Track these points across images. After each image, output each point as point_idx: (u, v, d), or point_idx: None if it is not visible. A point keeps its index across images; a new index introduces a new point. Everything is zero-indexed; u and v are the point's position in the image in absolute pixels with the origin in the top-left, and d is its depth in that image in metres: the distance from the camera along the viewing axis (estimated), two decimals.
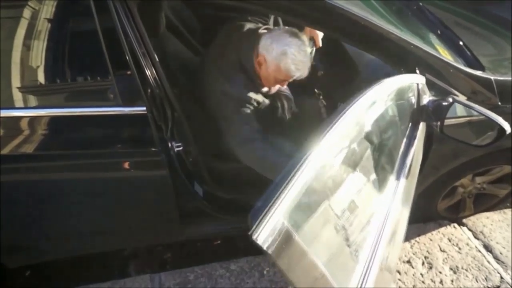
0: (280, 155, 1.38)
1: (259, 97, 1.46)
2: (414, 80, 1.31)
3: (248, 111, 1.42)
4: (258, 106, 1.46)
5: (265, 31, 1.44)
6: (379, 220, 1.03)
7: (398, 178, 1.16)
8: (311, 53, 1.65)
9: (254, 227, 0.61)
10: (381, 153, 1.13)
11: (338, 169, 0.85)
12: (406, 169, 1.19)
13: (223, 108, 1.44)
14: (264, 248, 0.61)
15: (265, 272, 1.70)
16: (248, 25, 1.49)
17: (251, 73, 1.43)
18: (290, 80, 1.45)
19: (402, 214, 1.17)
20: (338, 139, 0.85)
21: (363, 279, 0.89)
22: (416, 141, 1.28)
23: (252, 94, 1.43)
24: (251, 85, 1.44)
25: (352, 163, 0.94)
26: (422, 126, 1.34)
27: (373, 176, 1.06)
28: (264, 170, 1.41)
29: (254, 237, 0.60)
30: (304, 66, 1.38)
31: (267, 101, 1.51)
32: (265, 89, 1.50)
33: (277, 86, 1.55)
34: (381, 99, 1.08)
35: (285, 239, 0.66)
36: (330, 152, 0.83)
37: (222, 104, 1.44)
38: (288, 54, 1.34)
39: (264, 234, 0.62)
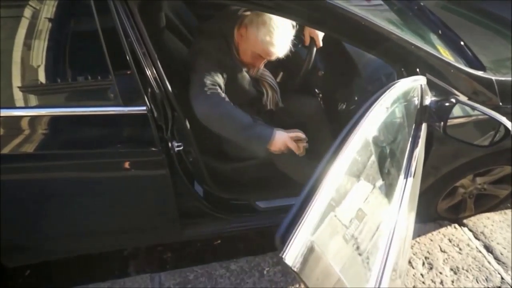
0: (231, 104, 1.34)
1: (226, 62, 1.44)
2: (417, 81, 1.31)
3: (214, 66, 1.39)
4: (226, 69, 1.43)
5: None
6: (389, 225, 1.01)
7: (405, 181, 1.15)
8: (309, 53, 1.65)
9: (284, 247, 0.60)
10: (388, 157, 1.12)
11: (345, 178, 0.85)
12: (412, 172, 1.19)
13: (192, 63, 1.42)
14: (293, 268, 0.60)
15: (265, 272, 1.70)
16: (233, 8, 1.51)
17: (231, 44, 1.45)
18: (265, 57, 1.45)
19: (409, 218, 1.16)
20: (355, 150, 0.84)
21: (378, 285, 0.88)
22: (419, 142, 1.28)
23: (221, 54, 1.43)
24: (223, 46, 1.44)
25: (359, 170, 0.93)
26: (424, 126, 1.34)
27: (380, 181, 1.05)
28: (221, 119, 1.34)
29: (284, 255, 0.60)
30: (280, 44, 1.38)
31: (245, 76, 1.51)
32: (244, 68, 1.51)
33: (257, 69, 1.55)
34: (390, 105, 1.07)
35: (310, 255, 0.65)
36: (346, 162, 0.82)
37: (193, 59, 1.43)
38: (268, 25, 1.35)
39: (293, 254, 0.61)
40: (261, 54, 1.43)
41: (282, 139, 1.35)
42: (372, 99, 0.99)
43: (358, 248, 0.86)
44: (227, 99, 1.35)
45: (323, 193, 0.70)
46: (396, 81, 1.15)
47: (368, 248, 0.91)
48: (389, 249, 0.96)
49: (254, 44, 1.40)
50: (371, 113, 0.93)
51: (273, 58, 1.45)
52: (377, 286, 0.87)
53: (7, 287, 1.71)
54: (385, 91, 1.04)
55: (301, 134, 1.40)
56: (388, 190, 1.09)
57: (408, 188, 1.14)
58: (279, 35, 1.38)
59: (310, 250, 0.66)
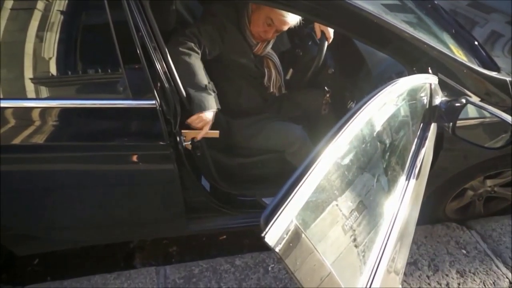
0: (199, 63, 1.39)
1: (236, 34, 1.50)
2: (427, 80, 1.29)
3: (211, 31, 1.46)
4: (229, 41, 1.50)
5: None
6: (387, 221, 1.02)
7: (407, 179, 1.15)
8: (321, 47, 1.64)
9: (265, 226, 0.61)
10: (392, 154, 1.11)
11: (347, 169, 0.84)
12: (416, 170, 1.18)
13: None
14: (272, 246, 0.61)
15: (270, 268, 1.70)
16: None
17: (242, 14, 1.50)
18: (276, 27, 1.48)
19: (411, 216, 1.15)
20: (349, 139, 0.84)
21: (371, 280, 0.88)
22: (427, 142, 1.26)
23: (228, 23, 1.49)
24: (235, 19, 1.50)
25: (362, 163, 0.93)
26: (433, 126, 1.32)
27: (383, 176, 1.05)
28: (186, 68, 1.37)
29: (264, 235, 0.60)
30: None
31: (247, 51, 1.55)
32: (253, 43, 1.53)
33: (266, 43, 1.58)
34: (393, 99, 1.07)
35: (294, 238, 0.66)
36: (341, 151, 0.82)
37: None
38: None
39: (274, 233, 0.61)
40: (274, 20, 1.46)
41: (207, 119, 1.37)
42: (374, 92, 0.98)
43: (355, 240, 0.86)
44: (195, 53, 1.40)
45: (312, 176, 0.70)
46: (400, 78, 1.14)
47: (366, 241, 0.91)
48: (385, 246, 0.96)
49: (269, 11, 1.44)
50: (372, 103, 0.92)
51: (285, 27, 1.49)
52: (370, 280, 0.87)
53: (16, 274, 1.74)
54: (387, 86, 1.03)
55: (212, 135, 1.43)
56: (390, 187, 1.08)
57: (410, 187, 1.13)
58: None
59: (295, 233, 0.66)
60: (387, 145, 1.07)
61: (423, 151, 1.22)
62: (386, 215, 1.03)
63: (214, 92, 1.40)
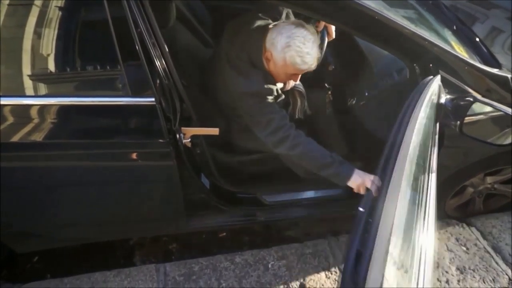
0: (310, 142, 1.36)
1: (276, 89, 1.41)
2: (435, 80, 1.28)
3: (271, 102, 1.38)
4: (278, 97, 1.42)
5: (272, 26, 1.40)
6: (418, 247, 0.97)
7: (429, 186, 1.12)
8: (321, 44, 1.63)
9: None
10: (419, 166, 1.09)
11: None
12: (435, 174, 1.15)
13: (245, 106, 1.40)
14: None
15: (270, 265, 1.71)
16: (258, 22, 1.45)
17: (262, 69, 1.40)
18: (300, 73, 1.41)
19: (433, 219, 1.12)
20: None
21: None
22: (437, 141, 1.25)
23: (270, 86, 1.38)
24: (267, 79, 1.39)
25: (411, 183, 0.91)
26: (437, 125, 1.31)
27: (415, 192, 1.02)
28: (300, 158, 1.37)
29: None
30: (311, 58, 1.32)
31: (282, 96, 1.46)
32: (280, 85, 1.46)
33: (292, 82, 1.51)
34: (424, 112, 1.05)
35: None
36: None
37: (243, 103, 1.40)
38: (292, 46, 1.28)
39: None
40: (295, 72, 1.38)
41: (361, 179, 1.31)
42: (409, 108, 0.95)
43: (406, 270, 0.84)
44: (302, 135, 1.36)
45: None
46: (424, 82, 1.11)
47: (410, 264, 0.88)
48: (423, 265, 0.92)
49: (284, 67, 1.34)
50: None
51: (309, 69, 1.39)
52: None
53: (16, 272, 1.74)
54: (419, 103, 1.00)
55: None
56: (420, 200, 1.05)
57: (433, 190, 1.10)
58: (308, 50, 1.30)
59: None
60: (421, 160, 1.05)
61: (436, 151, 1.20)
62: (417, 239, 0.99)
63: (340, 159, 1.35)
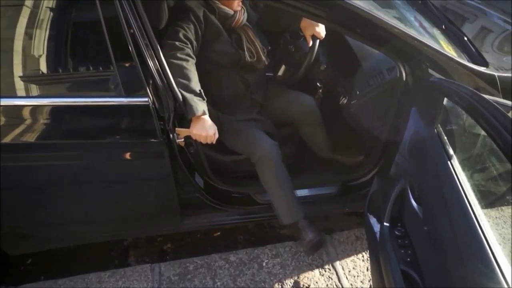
0: (194, 72, 1.39)
1: (211, 22, 1.50)
2: None
3: (191, 26, 1.45)
4: (208, 30, 1.50)
5: None
6: None
7: None
8: (313, 45, 1.65)
9: None
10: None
11: None
12: None
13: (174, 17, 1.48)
14: None
15: (264, 264, 1.72)
16: None
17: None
18: None
19: None
20: None
21: None
22: None
23: (203, 12, 1.48)
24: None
25: None
26: None
27: None
28: (173, 68, 1.35)
29: None
30: None
31: (225, 38, 1.54)
32: (231, 14, 1.53)
33: (244, 14, 1.58)
34: None
35: None
36: None
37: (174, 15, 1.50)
38: None
39: None
40: None
41: (205, 128, 1.37)
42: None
43: None
44: (192, 59, 1.41)
45: None
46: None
47: None
48: None
49: None
50: None
51: None
52: None
53: (9, 274, 1.73)
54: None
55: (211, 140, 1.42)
56: None
57: None
58: None
59: None
60: None
61: None
62: None
63: (204, 99, 1.39)
